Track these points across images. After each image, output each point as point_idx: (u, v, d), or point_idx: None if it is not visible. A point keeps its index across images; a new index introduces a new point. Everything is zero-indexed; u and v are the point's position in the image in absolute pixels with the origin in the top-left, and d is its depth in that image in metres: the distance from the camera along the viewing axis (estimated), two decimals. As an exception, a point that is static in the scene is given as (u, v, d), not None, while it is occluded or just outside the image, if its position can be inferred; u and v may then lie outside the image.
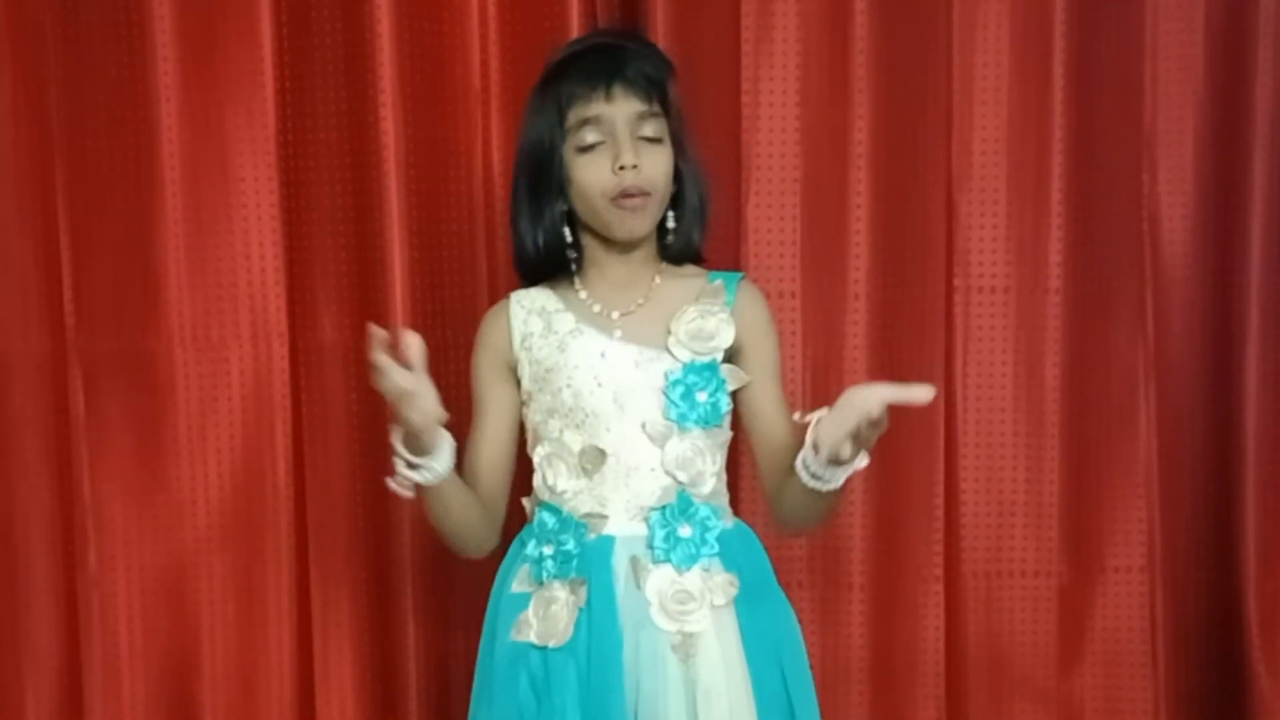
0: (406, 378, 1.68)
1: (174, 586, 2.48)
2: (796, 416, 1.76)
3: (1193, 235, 2.48)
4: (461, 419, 1.90)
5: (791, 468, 1.79)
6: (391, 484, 1.80)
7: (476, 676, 1.94)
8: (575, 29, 2.34)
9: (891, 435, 2.33)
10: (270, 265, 2.42)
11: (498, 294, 2.41)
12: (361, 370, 2.39)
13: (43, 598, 2.48)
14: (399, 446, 1.76)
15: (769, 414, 1.93)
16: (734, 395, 1.92)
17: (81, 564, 2.44)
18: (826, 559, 2.48)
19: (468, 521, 1.89)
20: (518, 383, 1.93)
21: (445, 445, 1.78)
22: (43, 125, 2.39)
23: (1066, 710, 2.53)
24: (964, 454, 2.50)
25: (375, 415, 2.40)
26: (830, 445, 1.66)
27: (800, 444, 1.76)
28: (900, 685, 2.51)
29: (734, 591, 1.83)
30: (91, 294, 2.42)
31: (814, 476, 1.74)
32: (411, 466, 1.77)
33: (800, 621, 2.39)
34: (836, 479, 1.73)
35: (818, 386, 2.45)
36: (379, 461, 2.39)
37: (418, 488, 1.80)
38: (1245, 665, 2.46)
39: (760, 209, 2.42)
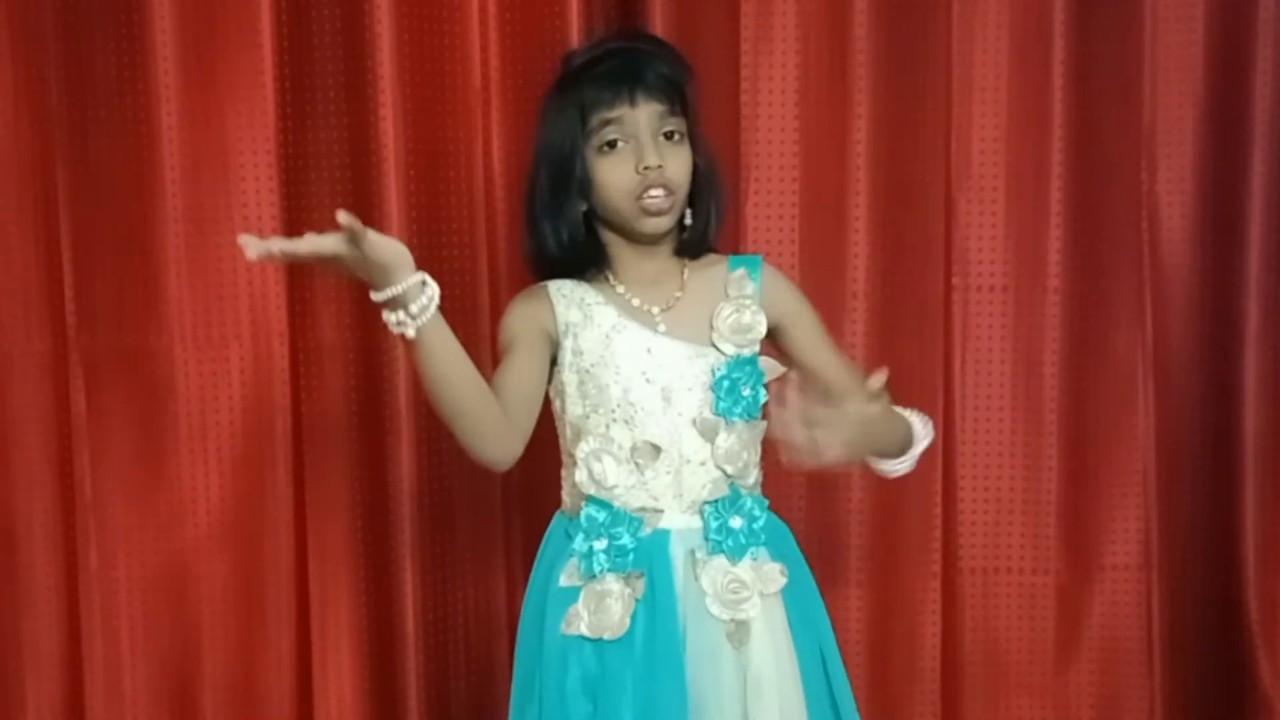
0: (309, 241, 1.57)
1: (174, 584, 2.48)
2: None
3: (1192, 234, 2.49)
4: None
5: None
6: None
7: (517, 672, 1.93)
8: (575, 29, 2.35)
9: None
10: (270, 264, 2.42)
11: (498, 294, 2.43)
12: (362, 369, 2.42)
13: (44, 595, 2.49)
14: (372, 295, 1.63)
15: (831, 367, 1.94)
16: (795, 364, 1.94)
17: (83, 562, 2.45)
18: (824, 555, 2.48)
19: (473, 400, 1.74)
20: (551, 358, 1.89)
21: (410, 266, 1.63)
22: (43, 125, 2.39)
23: (1063, 707, 2.55)
24: (962, 451, 2.51)
25: (375, 414, 2.42)
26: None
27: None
28: (897, 682, 2.53)
29: (783, 581, 1.86)
30: (92, 293, 2.42)
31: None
32: (394, 308, 1.64)
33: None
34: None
35: (816, 386, 2.46)
36: (379, 460, 2.42)
37: (410, 343, 1.67)
38: (1245, 663, 2.46)
39: (759, 208, 2.43)
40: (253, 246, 1.53)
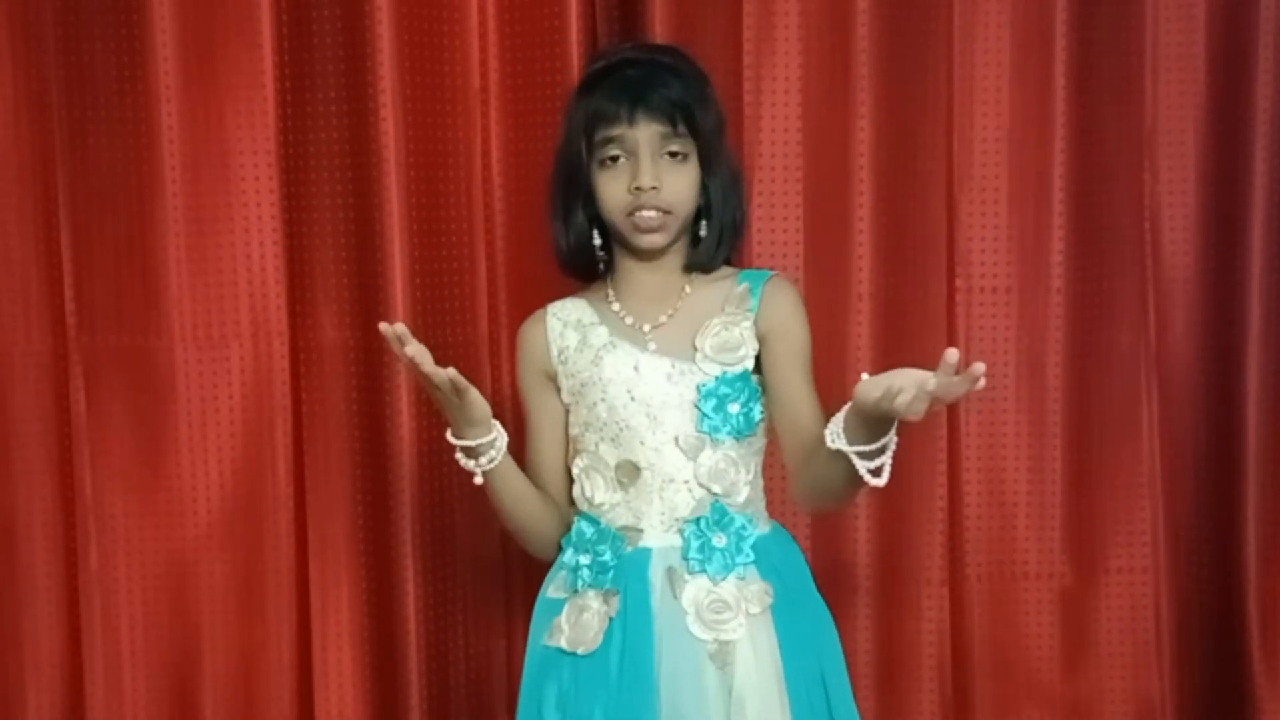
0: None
1: (175, 584, 2.49)
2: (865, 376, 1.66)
3: (1194, 234, 2.48)
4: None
5: (818, 442, 1.77)
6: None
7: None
8: (574, 29, 2.34)
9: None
10: (271, 264, 2.43)
11: (498, 294, 2.44)
12: (362, 369, 2.42)
13: (44, 595, 2.49)
14: (449, 436, 1.80)
15: (793, 399, 1.89)
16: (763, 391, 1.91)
17: (83, 561, 2.46)
18: (831, 563, 2.47)
19: (536, 515, 1.92)
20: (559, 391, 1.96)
21: (489, 423, 1.80)
22: (43, 125, 2.40)
23: (1072, 712, 2.53)
24: (967, 455, 2.49)
25: (375, 414, 2.42)
26: (861, 395, 1.58)
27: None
28: (905, 688, 2.52)
29: (769, 600, 1.84)
30: (93, 293, 2.43)
31: (833, 435, 1.66)
32: (468, 455, 1.81)
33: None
34: (844, 444, 1.63)
35: (821, 386, 2.42)
36: (379, 460, 2.42)
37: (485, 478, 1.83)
38: (1244, 666, 2.46)
39: (763, 209, 2.42)
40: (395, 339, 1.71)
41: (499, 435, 1.81)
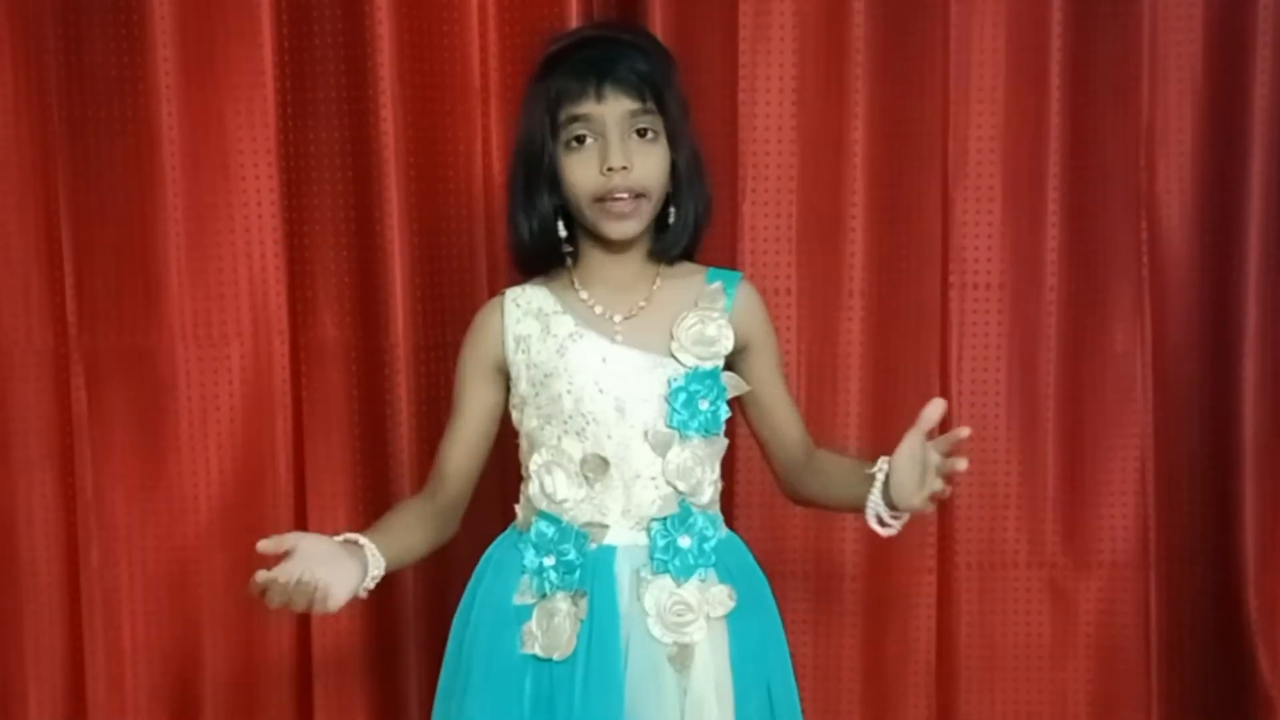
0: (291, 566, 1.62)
1: (176, 582, 2.49)
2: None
3: (1190, 233, 2.48)
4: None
5: (811, 461, 1.85)
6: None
7: (442, 684, 1.89)
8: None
9: (886, 430, 2.36)
10: (271, 263, 2.44)
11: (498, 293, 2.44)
12: (363, 368, 2.43)
13: (46, 593, 2.49)
14: (362, 593, 1.72)
15: (780, 411, 1.89)
16: (740, 398, 1.88)
17: (84, 559, 2.46)
18: (819, 551, 2.49)
19: (421, 549, 1.87)
20: (505, 385, 1.88)
21: (365, 555, 1.71)
22: (43, 125, 2.40)
23: (1059, 704, 2.54)
24: (959, 450, 2.50)
25: (375, 412, 2.43)
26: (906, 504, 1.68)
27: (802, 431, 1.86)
28: (892, 677, 2.53)
29: (731, 605, 1.80)
30: (93, 291, 2.44)
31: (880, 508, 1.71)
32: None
33: (793, 614, 2.40)
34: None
35: (813, 383, 2.46)
36: (379, 458, 2.43)
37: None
38: (1244, 660, 2.46)
39: (757, 206, 2.43)
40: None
41: (372, 557, 1.70)
